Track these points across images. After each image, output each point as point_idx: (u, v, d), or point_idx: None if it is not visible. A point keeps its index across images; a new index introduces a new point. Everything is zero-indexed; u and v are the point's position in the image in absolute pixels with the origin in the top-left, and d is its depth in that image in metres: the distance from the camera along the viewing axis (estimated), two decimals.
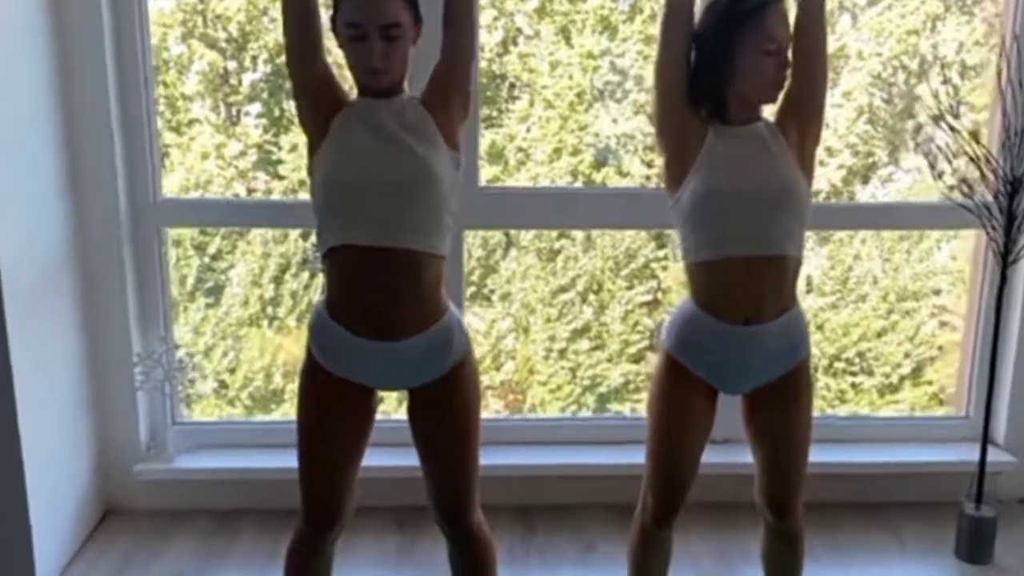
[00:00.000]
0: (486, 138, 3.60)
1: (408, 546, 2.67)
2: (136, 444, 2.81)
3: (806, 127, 1.90)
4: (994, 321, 2.59)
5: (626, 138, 3.59)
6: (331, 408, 1.85)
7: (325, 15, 1.84)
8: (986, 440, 2.63)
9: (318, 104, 1.80)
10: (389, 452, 2.42)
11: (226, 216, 2.92)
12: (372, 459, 2.00)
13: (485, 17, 3.37)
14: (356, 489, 1.93)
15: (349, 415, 1.87)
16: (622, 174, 3.59)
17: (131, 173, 2.67)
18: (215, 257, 3.42)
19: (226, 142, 3.26)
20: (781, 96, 1.89)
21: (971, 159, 2.46)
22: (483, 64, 3.42)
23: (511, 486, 2.80)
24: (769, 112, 1.94)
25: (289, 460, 1.93)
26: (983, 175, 2.50)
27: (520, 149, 3.59)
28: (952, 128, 2.44)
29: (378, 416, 1.97)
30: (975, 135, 2.49)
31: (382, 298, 1.75)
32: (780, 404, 1.95)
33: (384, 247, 1.73)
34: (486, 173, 3.58)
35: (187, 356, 2.87)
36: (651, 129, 3.62)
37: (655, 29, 3.32)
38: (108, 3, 2.50)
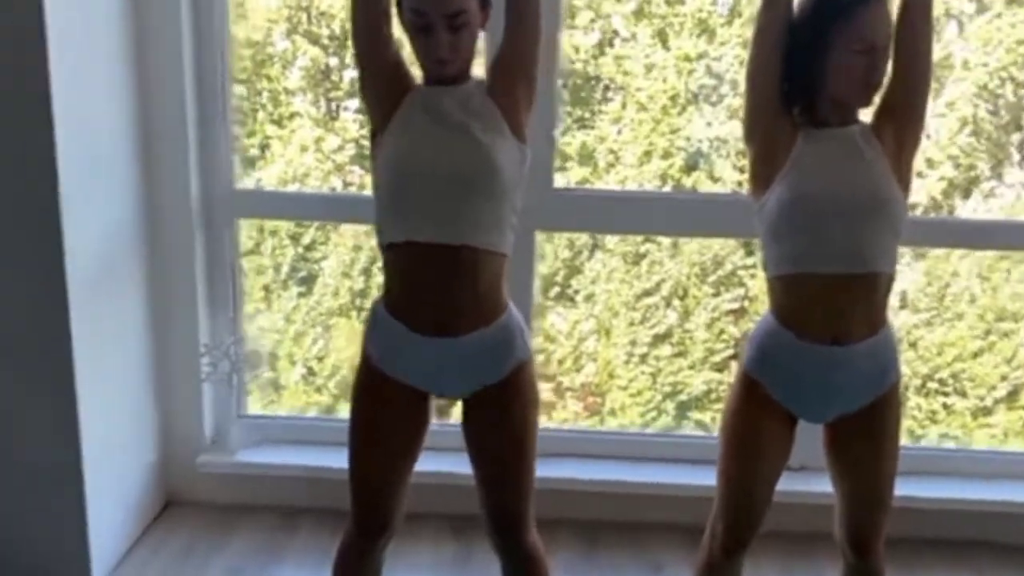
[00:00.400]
0: (576, 139, 3.62)
1: (464, 555, 2.64)
2: (200, 436, 2.81)
3: (904, 133, 1.79)
4: None
5: (719, 142, 3.56)
6: (385, 410, 1.81)
7: None
8: None
9: (384, 86, 1.73)
10: (448, 457, 2.37)
11: (300, 209, 2.93)
12: (428, 464, 1.97)
13: (581, 19, 3.38)
14: (407, 495, 1.89)
15: (403, 418, 1.82)
16: (713, 179, 3.56)
17: (205, 162, 2.67)
18: (309, 247, 3.51)
19: (325, 136, 3.35)
20: (878, 99, 1.81)
21: None
22: (578, 66, 3.43)
23: (576, 499, 2.74)
24: (867, 115, 1.85)
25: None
26: None
27: (611, 151, 3.59)
28: None
29: (434, 420, 1.92)
30: None
31: (441, 295, 1.72)
32: (866, 435, 1.82)
33: (445, 244, 1.68)
34: (575, 174, 3.59)
35: (258, 351, 2.84)
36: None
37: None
38: None
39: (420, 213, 1.68)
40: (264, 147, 3.31)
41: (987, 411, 3.69)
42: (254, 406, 3.12)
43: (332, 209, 2.97)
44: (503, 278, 1.76)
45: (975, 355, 3.68)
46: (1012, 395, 3.66)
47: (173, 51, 2.52)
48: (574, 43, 3.35)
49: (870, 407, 1.80)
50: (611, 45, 3.41)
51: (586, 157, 3.60)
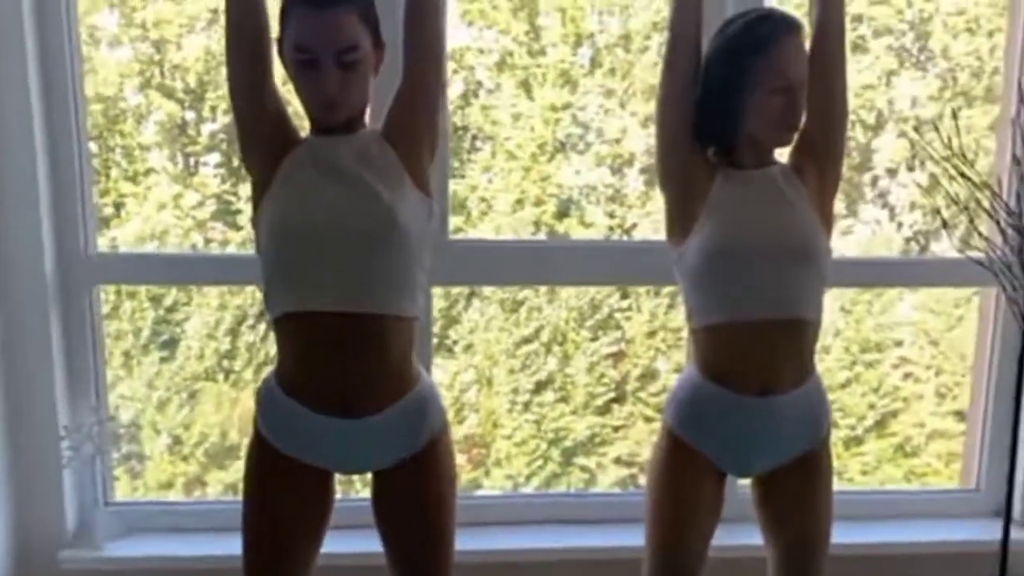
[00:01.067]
0: (449, 187, 3.61)
1: None
2: (61, 528, 2.53)
3: (825, 169, 1.72)
4: (1015, 388, 2.40)
5: (588, 189, 3.60)
6: (282, 492, 1.64)
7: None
8: (1009, 517, 2.45)
9: (267, 142, 1.57)
10: (351, 535, 2.09)
11: (163, 272, 2.69)
12: (334, 544, 1.81)
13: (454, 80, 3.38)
14: None
15: (303, 500, 1.65)
16: (585, 225, 3.59)
17: (59, 225, 2.44)
18: (171, 309, 3.36)
19: (183, 192, 3.23)
20: (796, 136, 1.72)
21: (986, 211, 2.31)
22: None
23: (495, 572, 2.51)
24: (783, 154, 1.78)
25: (236, 546, 1.73)
26: (1001, 228, 2.32)
27: (483, 199, 3.58)
28: (964, 175, 2.28)
29: (339, 495, 1.77)
30: (986, 184, 2.34)
31: (343, 371, 1.55)
32: (798, 488, 1.75)
33: (345, 313, 1.51)
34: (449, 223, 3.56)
35: (125, 427, 2.60)
36: (612, 180, 3.63)
37: (615, 83, 3.36)
38: (35, 47, 2.35)
39: (314, 279, 1.51)
40: (119, 205, 3.15)
41: (858, 440, 3.80)
42: (122, 491, 2.89)
43: (199, 270, 2.75)
44: (413, 345, 1.62)
45: (843, 386, 3.80)
46: (881, 424, 3.79)
47: (21, 108, 2.34)
48: (448, 66, 3.34)
49: (802, 459, 1.74)
50: (476, 96, 3.43)
51: (459, 206, 3.58)
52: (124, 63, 2.92)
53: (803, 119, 1.69)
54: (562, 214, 3.58)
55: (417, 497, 1.66)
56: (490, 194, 3.61)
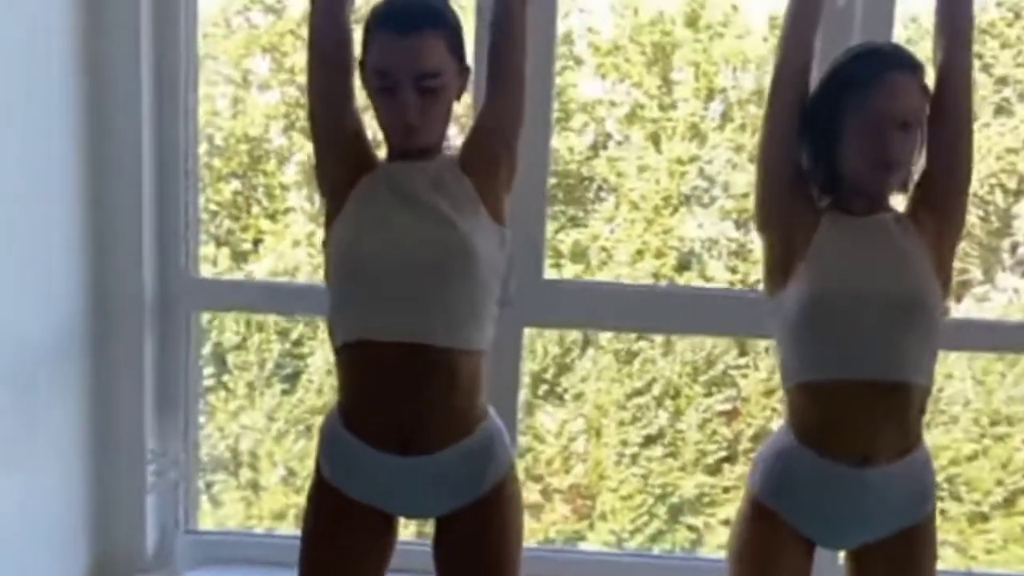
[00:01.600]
0: (570, 236, 3.62)
1: None
2: (141, 551, 2.45)
3: (944, 221, 1.57)
4: None
5: (711, 243, 3.57)
6: (341, 532, 1.54)
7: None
8: None
9: (343, 163, 1.50)
10: None
11: (268, 300, 2.58)
12: None
13: (576, 121, 3.43)
14: None
15: (362, 542, 1.55)
16: (706, 279, 3.56)
17: (162, 248, 2.36)
18: (297, 343, 3.46)
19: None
20: (914, 181, 1.59)
21: None
22: (571, 166, 3.46)
23: None
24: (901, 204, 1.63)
25: None
26: None
27: (603, 249, 3.59)
28: None
29: (402, 537, 1.64)
30: None
31: (406, 404, 1.45)
32: (899, 565, 1.58)
33: (410, 343, 1.42)
34: (568, 271, 3.58)
35: (212, 456, 2.54)
36: (736, 235, 3.60)
37: (745, 138, 3.34)
38: (149, 70, 2.30)
39: (380, 307, 1.43)
40: (257, 241, 3.28)
41: (984, 518, 3.62)
42: (204, 520, 2.89)
43: (298, 300, 2.71)
44: (481, 379, 1.50)
45: (970, 459, 3.64)
46: (1009, 501, 3.60)
47: (132, 126, 2.32)
48: (568, 144, 3.38)
49: (901, 535, 1.58)
50: (604, 147, 3.46)
51: (579, 255, 3.60)
52: (272, 105, 3.06)
53: (904, 157, 1.54)
54: (683, 267, 3.55)
55: (482, 538, 1.53)
56: (611, 244, 3.61)
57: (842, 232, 1.55)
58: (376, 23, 1.44)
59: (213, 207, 3.17)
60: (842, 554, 1.73)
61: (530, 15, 1.60)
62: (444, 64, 1.44)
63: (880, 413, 1.51)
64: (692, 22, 3.29)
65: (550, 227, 2.76)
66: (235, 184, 2.85)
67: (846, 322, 1.49)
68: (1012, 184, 3.20)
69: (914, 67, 1.54)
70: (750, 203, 3.46)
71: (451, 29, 1.46)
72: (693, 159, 3.43)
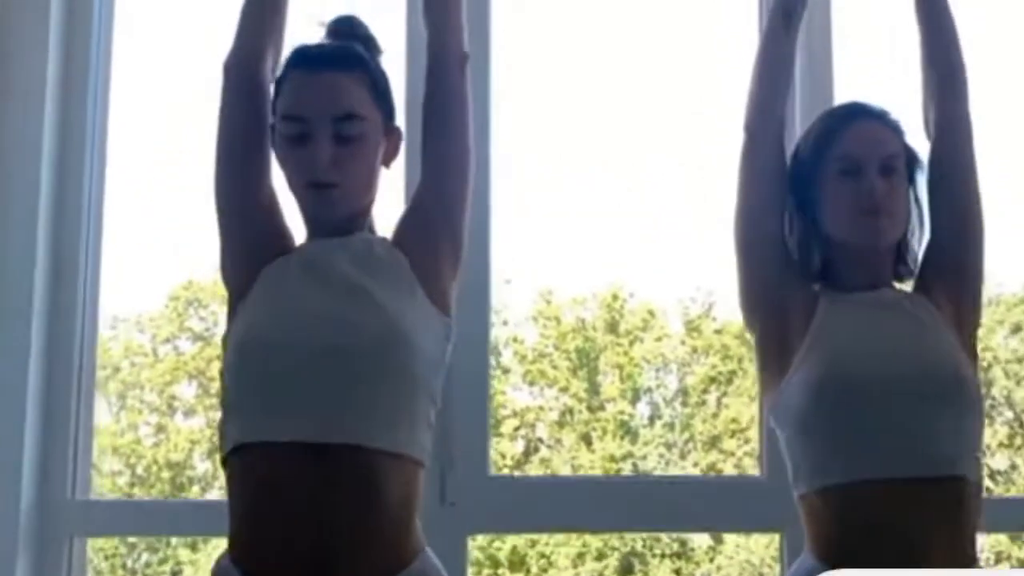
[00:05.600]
0: (507, 543, 3.52)
1: None
2: None
3: (959, 294, 1.30)
4: None
5: (653, 541, 3.50)
6: None
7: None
8: None
9: (254, 243, 1.17)
10: None
11: (151, 523, 2.26)
12: None
13: (506, 427, 3.45)
14: None
15: None
16: None
17: (43, 466, 2.08)
18: None
19: None
20: (920, 257, 1.45)
21: None
22: (504, 471, 3.43)
23: None
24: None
25: None
26: None
27: (543, 555, 3.48)
28: None
29: None
30: None
31: (310, 527, 1.10)
32: None
33: (314, 443, 1.10)
34: None
35: None
36: (677, 535, 3.53)
37: (674, 435, 3.38)
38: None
39: (278, 403, 1.13)
40: (175, 574, 3.08)
41: None
42: None
43: (186, 520, 2.32)
44: (416, 499, 1.16)
45: None
46: None
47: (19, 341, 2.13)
48: (501, 450, 3.38)
49: None
50: (536, 450, 3.46)
51: (518, 563, 3.47)
52: (196, 430, 3.01)
53: (891, 206, 1.33)
54: (626, 569, 3.45)
55: None
56: (549, 550, 3.51)
57: (846, 308, 1.30)
58: (288, 65, 1.25)
59: (132, 539, 2.99)
60: None
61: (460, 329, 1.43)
62: (366, 109, 1.22)
63: (926, 519, 1.16)
64: (612, 328, 3.44)
65: (483, 537, 2.62)
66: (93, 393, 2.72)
67: (867, 405, 1.18)
68: None
69: (887, 118, 1.41)
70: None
71: (375, 74, 1.26)
72: (626, 456, 3.45)
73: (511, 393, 3.46)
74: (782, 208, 1.39)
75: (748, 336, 1.45)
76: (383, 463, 1.12)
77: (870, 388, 1.22)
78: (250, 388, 1.17)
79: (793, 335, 1.30)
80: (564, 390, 3.35)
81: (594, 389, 3.38)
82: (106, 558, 3.13)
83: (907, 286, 1.36)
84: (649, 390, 3.35)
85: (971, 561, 1.22)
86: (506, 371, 3.41)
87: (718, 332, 4.08)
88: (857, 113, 1.37)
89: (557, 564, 3.55)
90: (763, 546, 3.99)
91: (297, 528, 1.09)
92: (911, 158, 1.40)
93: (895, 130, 1.36)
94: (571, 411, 3.38)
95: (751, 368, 3.36)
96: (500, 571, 3.47)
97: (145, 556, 3.14)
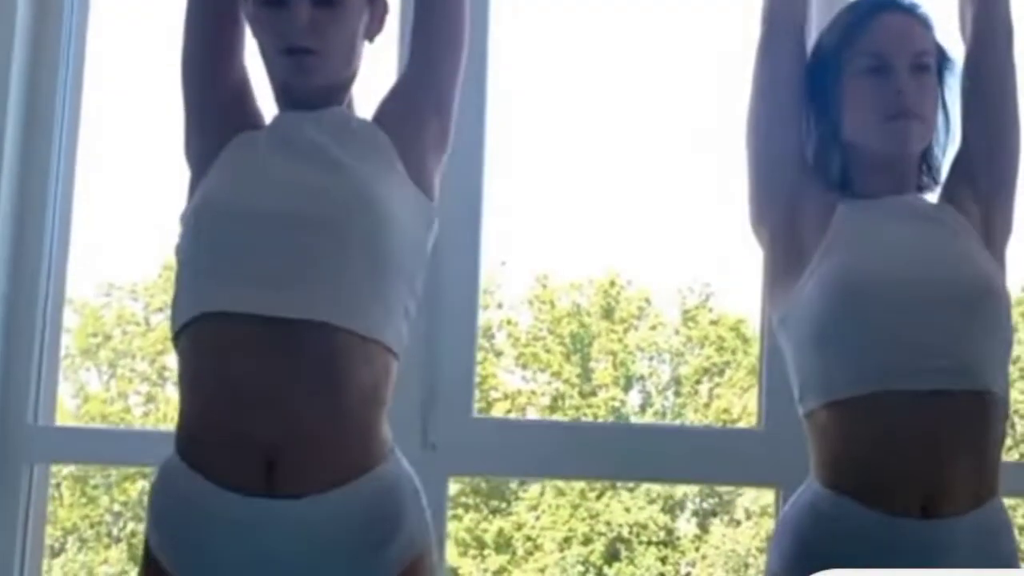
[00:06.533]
0: (494, 525, 3.52)
1: None
2: None
3: (991, 207, 1.18)
4: None
5: (639, 528, 3.50)
6: None
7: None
8: None
9: (221, 124, 1.10)
10: None
11: (116, 451, 2.17)
12: None
13: (497, 409, 3.44)
14: None
15: None
16: (635, 566, 3.45)
17: (6, 388, 2.00)
18: None
19: None
20: (949, 159, 1.32)
21: None
22: None
23: None
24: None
25: None
26: None
27: (528, 539, 3.48)
28: None
29: None
30: None
31: (272, 413, 0.96)
32: None
33: (273, 317, 0.99)
34: (492, 563, 3.43)
35: None
36: (665, 520, 3.54)
37: (666, 423, 3.36)
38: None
39: (242, 271, 1.02)
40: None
41: None
42: None
43: (151, 448, 2.24)
44: (386, 394, 1.03)
45: None
46: None
47: None
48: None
49: None
50: None
51: (503, 544, 3.47)
52: None
53: (922, 108, 1.19)
54: (612, 556, 3.45)
55: None
56: (536, 533, 3.51)
57: (865, 212, 1.07)
58: None
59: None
60: None
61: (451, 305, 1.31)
62: None
63: (947, 438, 1.09)
64: (608, 314, 3.43)
65: (469, 518, 2.63)
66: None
67: (887, 314, 1.10)
68: None
69: (917, 11, 1.28)
70: (677, 490, 3.44)
71: None
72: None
73: (503, 376, 3.45)
74: (798, 115, 1.24)
75: (757, 241, 1.32)
76: (352, 346, 0.98)
77: (892, 292, 1.08)
78: (205, 256, 1.03)
79: (808, 243, 1.14)
80: (556, 375, 3.34)
81: (586, 375, 3.38)
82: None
83: (931, 197, 1.29)
84: (642, 378, 3.35)
85: (990, 493, 1.07)
86: (499, 354, 3.40)
87: (714, 323, 4.08)
88: (886, 5, 1.22)
89: (543, 548, 3.55)
90: (749, 536, 4.01)
91: (250, 413, 0.94)
92: (942, 56, 1.28)
93: (926, 25, 1.22)
94: (562, 396, 3.38)
95: (744, 360, 3.38)
96: (486, 552, 3.47)
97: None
